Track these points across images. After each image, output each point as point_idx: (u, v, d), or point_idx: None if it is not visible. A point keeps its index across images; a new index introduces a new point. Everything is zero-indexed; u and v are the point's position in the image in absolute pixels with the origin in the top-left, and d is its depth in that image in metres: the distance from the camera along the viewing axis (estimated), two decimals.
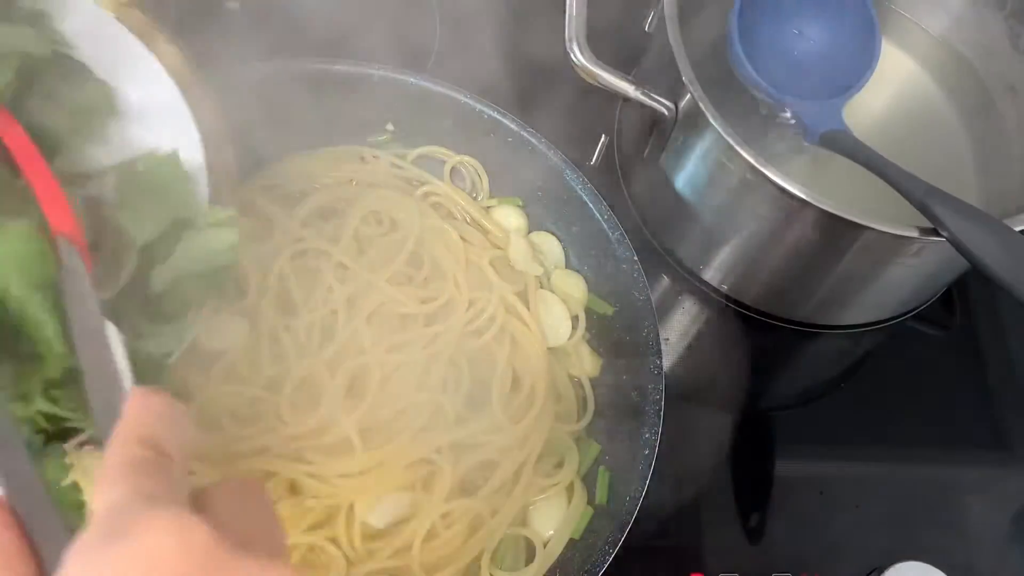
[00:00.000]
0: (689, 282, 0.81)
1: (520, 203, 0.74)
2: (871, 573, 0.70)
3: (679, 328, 0.81)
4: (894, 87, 0.85)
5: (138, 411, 0.33)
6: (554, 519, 0.64)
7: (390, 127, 0.74)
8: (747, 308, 0.80)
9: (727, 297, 0.80)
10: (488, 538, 0.62)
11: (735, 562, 0.70)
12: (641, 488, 0.60)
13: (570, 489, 0.66)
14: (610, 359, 0.70)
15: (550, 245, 0.74)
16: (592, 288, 0.72)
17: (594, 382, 0.70)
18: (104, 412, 0.34)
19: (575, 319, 0.71)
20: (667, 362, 0.76)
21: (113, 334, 0.37)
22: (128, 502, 0.29)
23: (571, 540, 0.63)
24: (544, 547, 0.63)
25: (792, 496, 0.74)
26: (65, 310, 0.39)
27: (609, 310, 0.70)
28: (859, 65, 0.76)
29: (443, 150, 0.75)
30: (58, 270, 0.40)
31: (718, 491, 0.74)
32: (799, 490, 0.74)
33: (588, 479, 0.66)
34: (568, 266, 0.73)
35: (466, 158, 0.75)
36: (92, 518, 0.29)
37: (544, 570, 0.62)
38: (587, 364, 0.70)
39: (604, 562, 0.58)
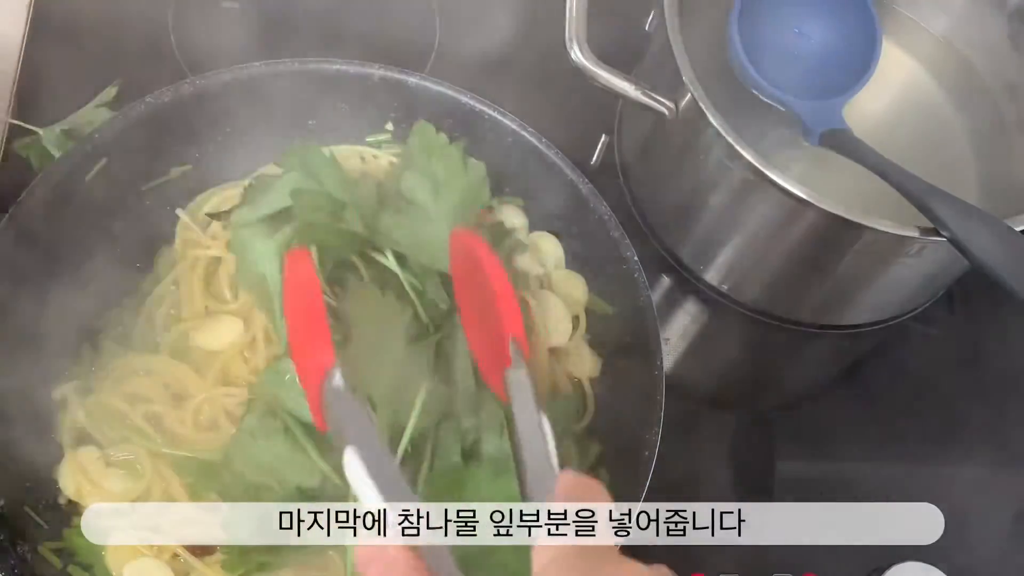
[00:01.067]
0: (689, 282, 0.81)
1: (520, 203, 0.74)
2: (871, 573, 0.70)
3: (679, 328, 0.81)
4: (894, 87, 0.85)
5: (570, 486, 0.42)
6: None
7: (389, 127, 0.74)
8: (747, 308, 0.80)
9: (727, 297, 0.80)
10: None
11: (735, 562, 0.70)
12: (641, 489, 0.60)
13: None
14: (610, 359, 0.70)
15: (550, 245, 0.74)
16: (592, 288, 0.72)
17: (594, 382, 0.70)
18: (536, 487, 0.43)
19: (575, 319, 0.71)
20: (667, 362, 0.76)
21: (547, 425, 0.45)
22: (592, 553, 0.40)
23: None
24: None
25: (792, 496, 0.74)
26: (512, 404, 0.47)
27: (609, 310, 0.70)
28: (859, 65, 0.76)
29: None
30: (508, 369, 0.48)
31: (718, 491, 0.73)
32: (799, 490, 0.74)
33: None
34: (568, 266, 0.73)
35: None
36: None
37: None
38: (587, 364, 0.70)
39: None
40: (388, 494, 0.42)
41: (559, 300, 0.71)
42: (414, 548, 0.40)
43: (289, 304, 0.52)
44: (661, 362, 0.64)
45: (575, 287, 0.72)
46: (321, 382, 0.46)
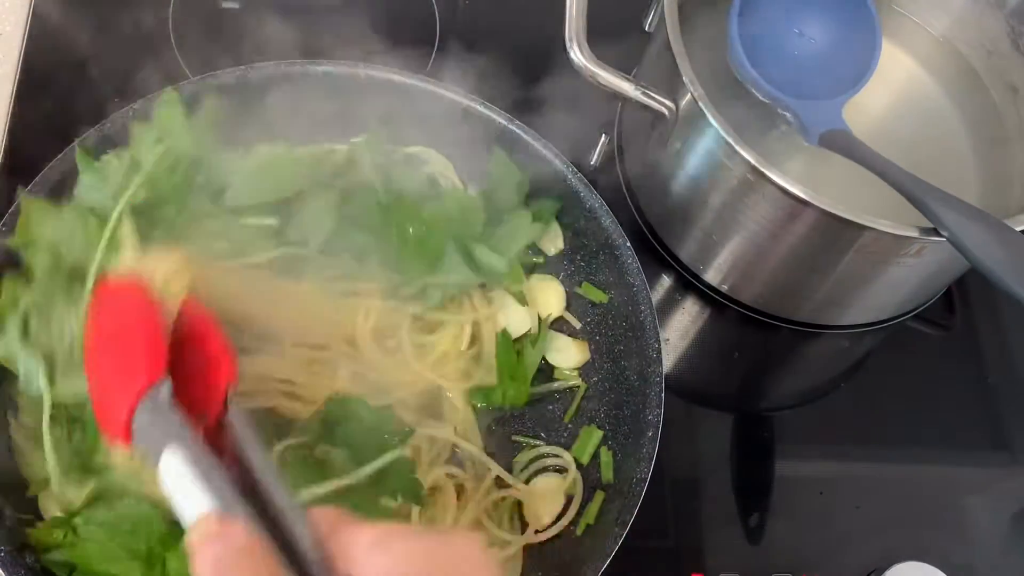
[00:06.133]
0: (689, 282, 0.81)
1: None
2: (871, 573, 0.70)
3: (679, 328, 0.81)
4: (894, 87, 0.85)
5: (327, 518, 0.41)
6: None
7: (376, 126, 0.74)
8: (747, 308, 0.80)
9: (727, 297, 0.80)
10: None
11: (735, 562, 0.70)
12: (647, 468, 0.61)
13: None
14: (609, 345, 0.70)
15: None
16: (587, 276, 0.72)
17: (594, 368, 0.71)
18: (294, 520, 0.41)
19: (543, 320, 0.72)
20: (667, 362, 0.76)
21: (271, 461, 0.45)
22: None
23: (587, 526, 0.64)
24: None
25: (792, 496, 0.74)
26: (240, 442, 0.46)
27: (604, 297, 0.71)
28: (859, 65, 0.76)
29: (427, 150, 0.75)
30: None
31: (718, 491, 0.74)
32: (799, 490, 0.74)
33: (593, 464, 0.67)
34: (564, 256, 0.74)
35: (443, 162, 0.75)
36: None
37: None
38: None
39: (616, 544, 0.59)
40: (216, 494, 0.41)
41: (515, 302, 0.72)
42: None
43: (95, 335, 0.51)
44: (659, 344, 0.65)
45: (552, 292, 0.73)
46: (140, 398, 0.45)
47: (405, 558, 0.38)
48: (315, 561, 0.39)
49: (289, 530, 0.40)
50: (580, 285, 0.73)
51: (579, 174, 0.70)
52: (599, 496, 0.65)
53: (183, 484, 0.41)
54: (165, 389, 0.45)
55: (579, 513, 0.65)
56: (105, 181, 0.63)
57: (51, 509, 0.59)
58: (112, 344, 0.49)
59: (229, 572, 0.37)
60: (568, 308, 0.73)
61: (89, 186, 0.63)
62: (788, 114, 0.75)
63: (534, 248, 0.74)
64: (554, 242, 0.74)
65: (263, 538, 0.39)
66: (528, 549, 0.65)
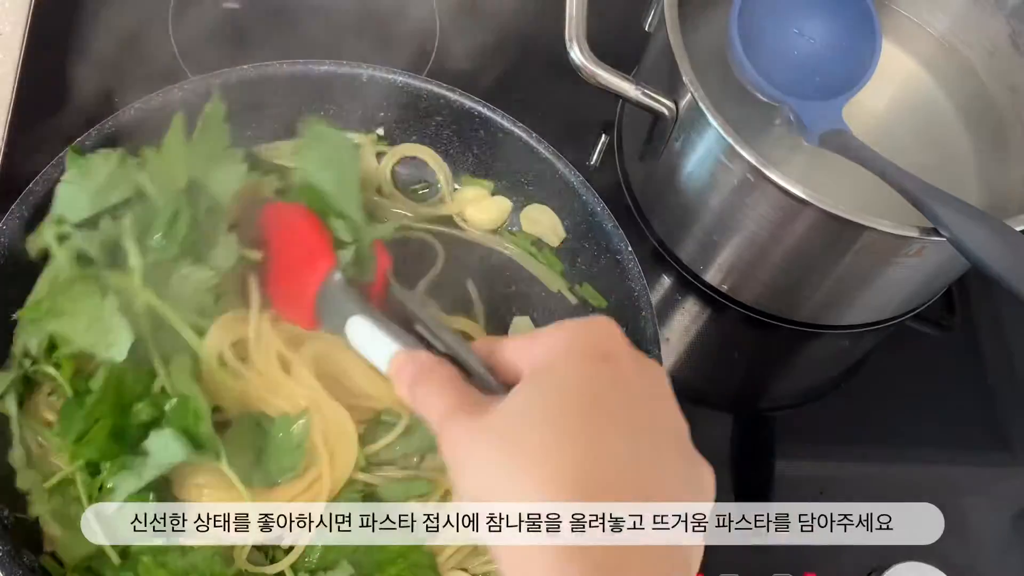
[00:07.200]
0: (689, 282, 0.81)
1: (487, 185, 0.74)
2: (871, 573, 0.70)
3: (679, 328, 0.81)
4: (894, 87, 0.85)
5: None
6: None
7: (380, 131, 0.74)
8: (747, 308, 0.80)
9: (727, 297, 0.80)
10: None
11: (735, 562, 0.70)
12: None
13: None
14: None
15: (548, 217, 0.74)
16: (587, 280, 0.72)
17: None
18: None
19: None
20: (667, 362, 0.76)
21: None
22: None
23: None
24: None
25: (792, 496, 0.74)
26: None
27: (603, 302, 0.70)
28: (859, 65, 0.76)
29: (422, 148, 0.75)
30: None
31: (718, 491, 0.73)
32: (799, 490, 0.74)
33: None
34: (562, 258, 0.73)
35: (438, 161, 0.75)
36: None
37: None
38: None
39: None
40: (400, 339, 0.49)
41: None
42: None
43: (271, 246, 0.59)
44: (659, 351, 0.65)
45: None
46: (321, 283, 0.54)
47: (552, 342, 0.44)
48: (484, 374, 0.45)
49: (462, 359, 0.47)
50: (580, 286, 0.72)
51: (579, 175, 0.70)
52: None
53: (372, 339, 0.50)
54: (339, 274, 0.54)
55: None
56: (88, 177, 0.60)
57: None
58: (287, 250, 0.58)
59: (424, 384, 0.45)
60: (568, 313, 0.73)
61: (69, 181, 0.60)
62: (788, 114, 0.75)
63: (537, 240, 0.74)
64: (555, 231, 0.73)
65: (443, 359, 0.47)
66: None
